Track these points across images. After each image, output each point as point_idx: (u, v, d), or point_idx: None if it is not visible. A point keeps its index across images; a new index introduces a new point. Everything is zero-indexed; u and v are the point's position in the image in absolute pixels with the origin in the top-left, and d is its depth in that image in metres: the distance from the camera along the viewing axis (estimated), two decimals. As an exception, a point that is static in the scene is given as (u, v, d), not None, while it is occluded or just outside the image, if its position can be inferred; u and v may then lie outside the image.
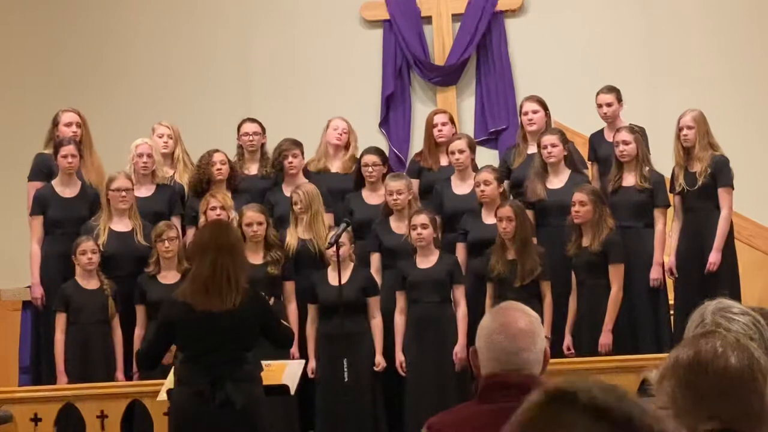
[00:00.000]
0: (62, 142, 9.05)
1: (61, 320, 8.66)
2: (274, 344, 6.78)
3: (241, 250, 6.52)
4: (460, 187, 9.12)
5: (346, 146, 9.57)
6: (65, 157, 8.98)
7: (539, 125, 9.22)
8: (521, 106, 9.46)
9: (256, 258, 8.58)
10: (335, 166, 9.56)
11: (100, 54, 11.34)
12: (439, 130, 9.44)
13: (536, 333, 3.31)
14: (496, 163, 9.70)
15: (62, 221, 9.01)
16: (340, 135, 9.53)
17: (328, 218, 8.98)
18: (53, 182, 9.10)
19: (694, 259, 8.67)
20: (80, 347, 8.64)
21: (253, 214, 8.66)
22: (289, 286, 8.68)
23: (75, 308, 8.65)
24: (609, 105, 9.17)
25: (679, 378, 2.27)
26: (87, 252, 8.63)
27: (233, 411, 6.09)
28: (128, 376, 8.62)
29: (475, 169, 9.13)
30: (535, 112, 9.26)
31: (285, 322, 6.67)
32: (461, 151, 9.07)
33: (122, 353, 8.64)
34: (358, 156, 9.41)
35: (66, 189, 9.08)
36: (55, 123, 9.32)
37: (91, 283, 8.70)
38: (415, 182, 9.35)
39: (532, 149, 9.15)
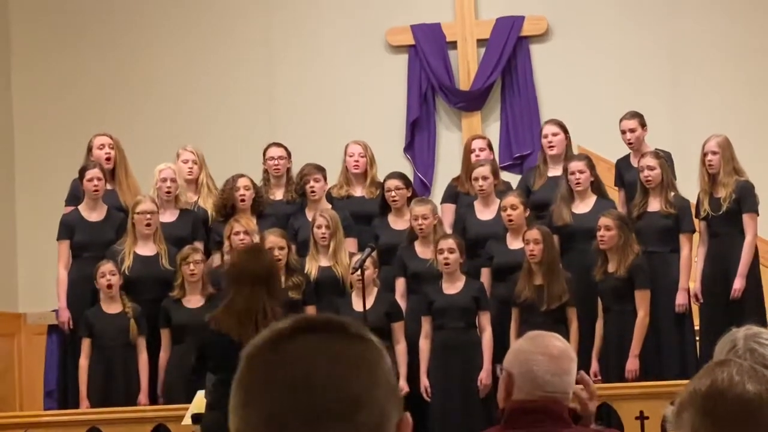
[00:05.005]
0: (87, 166, 9.08)
1: (85, 346, 8.68)
2: None
3: (277, 276, 6.52)
4: (484, 213, 9.10)
5: (366, 170, 9.57)
6: (90, 180, 8.99)
7: (559, 148, 9.22)
8: (541, 129, 9.47)
9: (276, 283, 8.57)
10: (358, 191, 9.56)
11: (125, 80, 11.38)
12: (477, 155, 9.41)
13: (573, 359, 3.35)
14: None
15: (88, 245, 9.01)
16: (357, 161, 9.49)
17: (351, 243, 8.97)
18: (80, 207, 9.11)
19: (719, 284, 8.64)
20: (102, 371, 8.65)
21: (274, 238, 8.63)
22: (310, 311, 8.66)
23: (97, 333, 8.67)
24: (632, 131, 9.15)
25: (697, 407, 2.28)
26: (106, 274, 8.64)
27: None
28: (152, 400, 8.62)
29: (499, 194, 9.12)
30: (554, 134, 9.25)
31: None
32: (485, 178, 9.05)
33: (147, 377, 8.65)
34: (380, 178, 9.42)
35: (92, 213, 9.09)
36: (89, 148, 9.35)
37: (113, 307, 8.71)
38: (452, 207, 9.35)
39: (553, 172, 9.16)
